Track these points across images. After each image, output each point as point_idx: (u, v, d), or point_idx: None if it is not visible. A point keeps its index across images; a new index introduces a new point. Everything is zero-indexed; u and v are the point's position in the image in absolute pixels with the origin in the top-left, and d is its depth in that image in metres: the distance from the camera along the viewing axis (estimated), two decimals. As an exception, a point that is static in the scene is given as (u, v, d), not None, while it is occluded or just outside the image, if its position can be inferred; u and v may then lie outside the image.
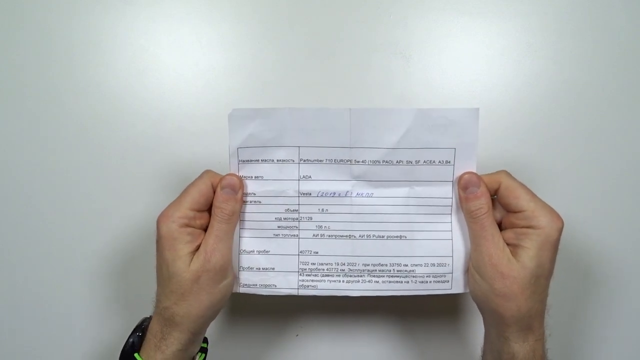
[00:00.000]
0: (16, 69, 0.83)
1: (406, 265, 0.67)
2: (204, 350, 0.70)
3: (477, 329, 0.82)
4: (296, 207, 0.67)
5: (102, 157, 0.83)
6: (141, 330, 0.66)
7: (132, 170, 0.83)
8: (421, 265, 0.67)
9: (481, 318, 0.67)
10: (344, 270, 0.68)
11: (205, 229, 0.65)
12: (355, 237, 0.68)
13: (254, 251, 0.68)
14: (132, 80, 0.83)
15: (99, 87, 0.83)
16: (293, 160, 0.67)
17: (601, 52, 0.82)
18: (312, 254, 0.68)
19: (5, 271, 0.84)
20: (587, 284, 0.83)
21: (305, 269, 0.68)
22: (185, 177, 0.68)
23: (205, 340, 0.70)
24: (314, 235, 0.68)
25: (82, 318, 0.84)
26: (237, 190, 0.65)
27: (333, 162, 0.66)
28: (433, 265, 0.67)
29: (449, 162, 0.66)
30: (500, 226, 0.65)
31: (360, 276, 0.68)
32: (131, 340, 0.65)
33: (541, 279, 0.61)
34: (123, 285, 0.84)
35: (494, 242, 0.62)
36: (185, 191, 0.65)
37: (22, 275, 0.84)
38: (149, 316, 0.67)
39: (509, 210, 0.64)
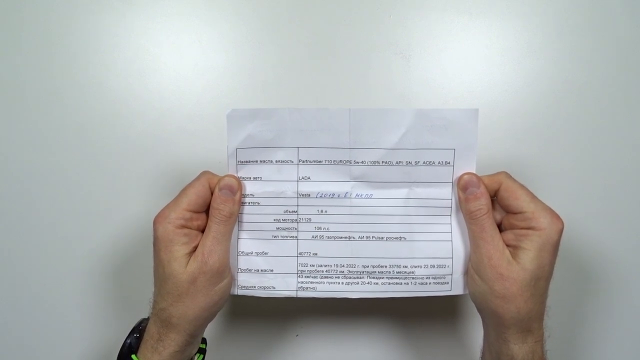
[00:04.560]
0: (16, 69, 0.83)
1: (406, 267, 0.67)
2: (202, 351, 0.70)
3: (476, 330, 0.82)
4: (295, 209, 0.67)
5: (102, 157, 0.83)
6: (138, 332, 0.66)
7: (131, 170, 0.83)
8: (421, 266, 0.67)
9: (480, 319, 0.67)
10: (343, 271, 0.68)
11: (202, 231, 0.65)
12: (354, 238, 0.67)
13: (252, 253, 0.68)
14: (132, 81, 0.83)
15: (99, 87, 0.83)
16: (292, 161, 0.66)
17: (601, 52, 0.81)
18: (311, 255, 0.68)
19: (2, 271, 0.84)
20: (587, 284, 0.83)
21: (304, 271, 0.68)
22: (185, 177, 0.68)
23: (204, 341, 0.70)
24: (313, 236, 0.68)
25: (79, 319, 0.84)
26: (235, 191, 0.65)
27: (332, 162, 0.66)
28: (433, 266, 0.67)
29: (449, 162, 0.65)
30: (500, 227, 0.65)
31: (360, 278, 0.68)
32: (128, 341, 0.65)
33: (541, 280, 0.61)
34: (121, 285, 0.84)
35: (494, 244, 0.62)
36: (182, 192, 0.64)
37: (19, 275, 0.84)
38: (146, 317, 0.67)
39: (509, 211, 0.64)
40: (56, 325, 0.84)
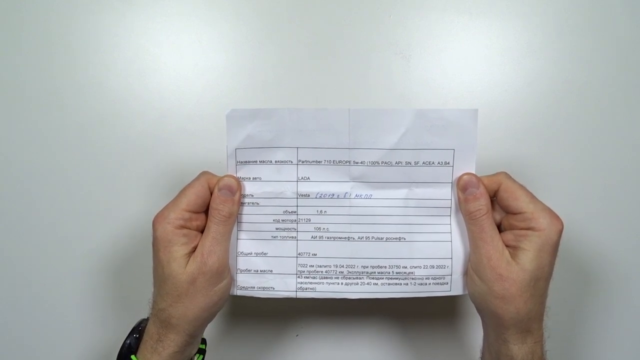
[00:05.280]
0: (16, 69, 0.83)
1: (405, 267, 0.67)
2: (202, 352, 0.70)
3: (475, 331, 0.81)
4: (294, 209, 0.67)
5: (102, 157, 0.83)
6: (138, 332, 0.66)
7: (131, 170, 0.83)
8: (420, 267, 0.67)
9: (480, 320, 0.67)
10: (342, 272, 0.68)
11: (201, 231, 0.65)
12: (354, 239, 0.67)
13: (251, 253, 0.68)
14: (132, 81, 0.83)
15: (99, 87, 0.83)
16: (291, 162, 0.66)
17: (601, 52, 0.81)
18: (311, 256, 0.68)
19: (2, 271, 0.84)
20: (587, 284, 0.83)
21: (303, 272, 0.68)
22: (185, 177, 0.68)
23: (204, 341, 0.70)
24: (312, 237, 0.67)
25: (79, 319, 0.84)
26: (234, 191, 0.65)
27: (332, 163, 0.66)
28: (432, 267, 0.67)
29: (448, 163, 0.65)
30: (500, 228, 0.65)
31: (359, 278, 0.68)
32: (128, 342, 0.65)
33: (540, 281, 0.60)
34: (121, 285, 0.84)
35: (493, 244, 0.61)
36: (181, 192, 0.64)
37: (19, 275, 0.84)
38: (146, 317, 0.67)
39: (509, 211, 0.63)
40: (55, 325, 0.84)
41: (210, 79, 0.83)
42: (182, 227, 0.63)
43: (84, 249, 0.83)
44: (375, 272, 0.67)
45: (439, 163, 0.65)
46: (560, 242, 0.61)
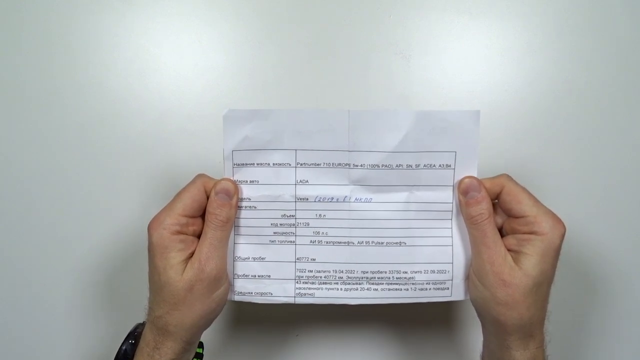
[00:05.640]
0: (16, 69, 0.83)
1: (405, 272, 0.66)
2: (199, 356, 0.69)
3: (476, 336, 0.80)
4: (293, 213, 0.66)
5: (102, 157, 0.83)
6: (134, 337, 0.65)
7: (131, 170, 0.83)
8: (421, 272, 0.66)
9: (480, 325, 0.67)
10: (342, 277, 0.67)
11: (198, 236, 0.64)
12: (353, 243, 0.67)
13: (249, 258, 0.67)
14: (132, 81, 0.83)
15: (99, 87, 0.83)
16: (290, 164, 0.65)
17: (601, 52, 0.81)
18: (310, 260, 0.67)
19: (2, 271, 0.84)
20: (588, 286, 0.83)
21: (302, 277, 0.67)
22: (185, 177, 0.67)
23: (201, 345, 0.70)
24: (311, 241, 0.67)
25: (79, 319, 0.84)
26: (231, 195, 0.63)
27: (331, 166, 0.65)
28: (433, 272, 0.66)
29: (450, 165, 0.64)
30: (501, 231, 0.64)
31: (359, 284, 0.67)
32: (124, 347, 0.65)
33: (543, 286, 0.60)
34: (122, 285, 0.84)
35: (496, 249, 0.61)
36: (177, 196, 0.63)
37: (19, 275, 0.84)
38: (142, 322, 0.67)
39: (511, 215, 0.63)
40: (50, 329, 0.84)
41: (210, 79, 0.83)
42: (179, 232, 0.61)
43: (84, 249, 0.83)
44: (375, 278, 0.67)
45: (440, 166, 0.65)
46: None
